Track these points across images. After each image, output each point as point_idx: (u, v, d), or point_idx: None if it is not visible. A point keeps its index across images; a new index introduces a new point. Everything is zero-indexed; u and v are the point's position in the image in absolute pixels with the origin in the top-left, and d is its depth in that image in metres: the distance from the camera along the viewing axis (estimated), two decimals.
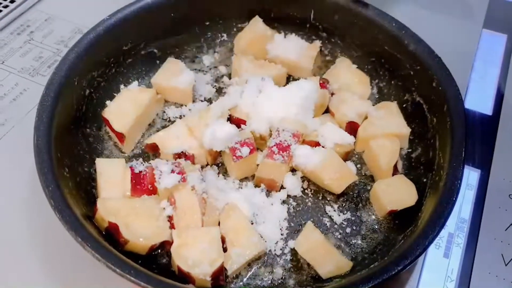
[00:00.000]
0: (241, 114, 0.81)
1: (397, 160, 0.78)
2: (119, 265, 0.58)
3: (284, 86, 0.85)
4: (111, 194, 0.73)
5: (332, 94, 0.86)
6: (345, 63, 0.91)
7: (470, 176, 0.84)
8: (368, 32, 0.89)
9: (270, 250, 0.72)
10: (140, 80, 0.91)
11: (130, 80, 0.90)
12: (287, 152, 0.76)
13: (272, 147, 0.76)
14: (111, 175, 0.74)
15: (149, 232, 0.68)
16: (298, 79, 0.87)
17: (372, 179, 0.80)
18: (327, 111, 0.86)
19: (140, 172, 0.74)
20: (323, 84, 0.84)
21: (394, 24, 0.86)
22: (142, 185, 0.73)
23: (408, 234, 0.69)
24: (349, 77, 0.89)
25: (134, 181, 0.73)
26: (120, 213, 0.68)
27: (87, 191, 0.74)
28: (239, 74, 0.88)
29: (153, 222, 0.69)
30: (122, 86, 0.88)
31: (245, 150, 0.75)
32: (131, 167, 0.74)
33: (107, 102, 0.83)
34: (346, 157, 0.81)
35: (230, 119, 0.82)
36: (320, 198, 0.78)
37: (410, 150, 0.82)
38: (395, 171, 0.77)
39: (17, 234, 0.74)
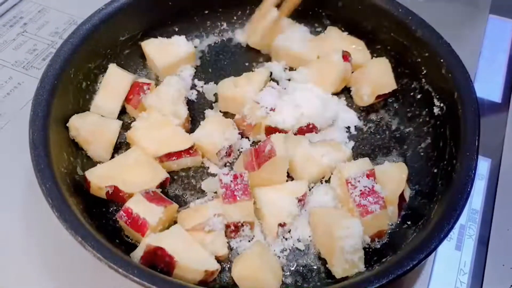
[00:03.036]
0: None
1: (404, 188, 0.71)
2: (122, 264, 0.55)
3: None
4: (105, 101, 0.79)
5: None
6: (334, 32, 0.89)
7: (481, 166, 0.82)
8: (374, 18, 0.86)
9: None
10: (138, 72, 0.88)
11: (128, 72, 0.86)
12: (376, 194, 0.67)
13: (358, 202, 0.66)
14: (116, 84, 0.80)
15: (147, 179, 0.70)
16: None
17: None
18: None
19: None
20: (346, 57, 0.82)
21: (400, 10, 0.83)
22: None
23: (420, 226, 0.66)
24: (343, 45, 0.86)
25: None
26: (112, 174, 0.70)
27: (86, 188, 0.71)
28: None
29: (146, 169, 0.71)
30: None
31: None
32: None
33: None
34: None
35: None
36: None
37: (420, 138, 0.79)
38: (401, 201, 0.70)
39: (15, 233, 0.72)
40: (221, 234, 0.66)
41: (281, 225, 0.67)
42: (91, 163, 0.75)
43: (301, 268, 0.68)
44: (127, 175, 0.70)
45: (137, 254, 0.62)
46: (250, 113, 0.78)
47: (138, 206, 0.65)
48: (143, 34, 0.87)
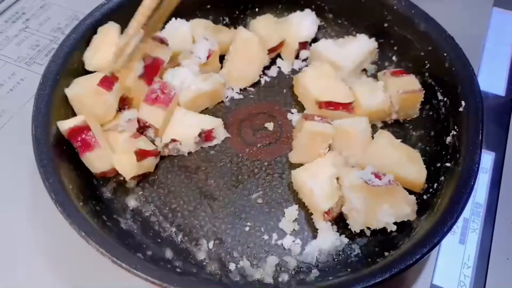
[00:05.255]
0: None
1: None
2: (125, 259, 0.56)
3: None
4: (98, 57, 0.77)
5: None
6: (385, 138, 0.75)
7: (484, 159, 0.82)
8: (376, 12, 0.86)
9: None
10: None
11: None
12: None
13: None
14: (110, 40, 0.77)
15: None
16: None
17: None
18: None
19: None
20: None
21: (403, 3, 0.83)
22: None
23: (423, 221, 0.66)
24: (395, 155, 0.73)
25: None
26: None
27: (90, 182, 0.71)
28: (195, 39, 0.86)
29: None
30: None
31: None
32: None
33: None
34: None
35: None
36: None
37: (423, 132, 0.79)
38: None
39: (20, 228, 0.72)
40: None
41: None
42: None
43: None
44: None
45: (65, 124, 0.68)
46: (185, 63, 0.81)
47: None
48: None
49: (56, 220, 0.61)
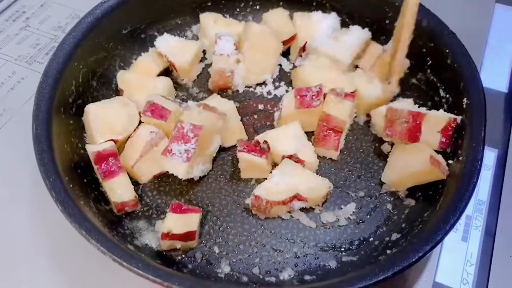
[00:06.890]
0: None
1: None
2: (126, 258, 0.55)
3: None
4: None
5: None
6: None
7: (487, 156, 0.81)
8: (378, 9, 0.85)
9: None
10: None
11: (132, 65, 0.86)
12: None
13: None
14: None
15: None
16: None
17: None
18: None
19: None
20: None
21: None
22: None
23: (426, 218, 0.66)
24: None
25: None
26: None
27: (90, 180, 0.71)
28: (206, 32, 0.88)
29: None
30: (122, 72, 0.84)
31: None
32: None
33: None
34: None
35: None
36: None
37: None
38: None
39: (20, 227, 0.72)
40: None
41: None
42: None
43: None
44: None
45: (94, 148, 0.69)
46: (218, 67, 0.82)
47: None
48: (145, 26, 0.87)
49: (56, 219, 0.61)
